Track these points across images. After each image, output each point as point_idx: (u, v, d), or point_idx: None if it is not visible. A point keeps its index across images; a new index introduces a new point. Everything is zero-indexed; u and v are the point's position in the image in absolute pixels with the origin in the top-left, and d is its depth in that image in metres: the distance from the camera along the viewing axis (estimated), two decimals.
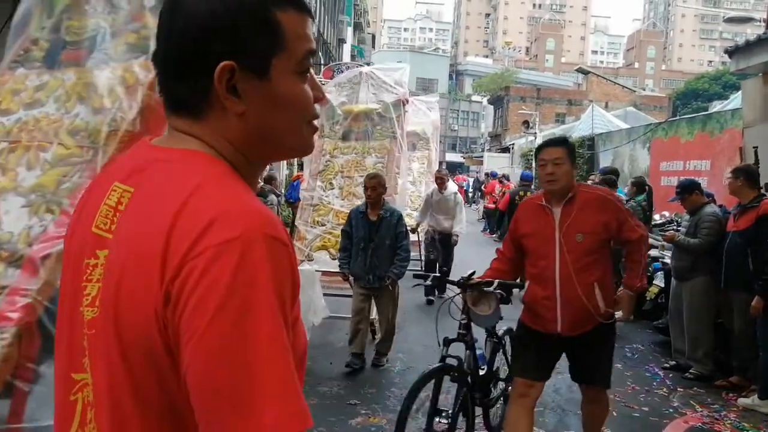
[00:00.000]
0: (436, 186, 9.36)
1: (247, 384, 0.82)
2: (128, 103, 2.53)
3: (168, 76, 0.98)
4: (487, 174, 26.76)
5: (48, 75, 2.88)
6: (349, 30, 38.16)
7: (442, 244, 9.28)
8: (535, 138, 28.59)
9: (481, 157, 43.41)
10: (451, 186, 9.55)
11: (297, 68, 0.99)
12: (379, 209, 6.02)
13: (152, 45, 1.74)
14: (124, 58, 2.68)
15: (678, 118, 19.18)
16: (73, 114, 2.64)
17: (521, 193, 12.11)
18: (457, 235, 9.17)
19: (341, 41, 35.98)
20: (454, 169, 50.59)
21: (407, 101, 8.34)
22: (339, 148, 8.15)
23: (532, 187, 12.67)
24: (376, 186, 5.96)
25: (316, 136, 1.06)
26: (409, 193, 11.27)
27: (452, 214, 9.12)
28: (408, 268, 6.24)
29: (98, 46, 2.76)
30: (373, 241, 5.96)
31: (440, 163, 16.06)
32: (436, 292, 8.89)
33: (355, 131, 8.16)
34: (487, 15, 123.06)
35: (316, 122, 1.06)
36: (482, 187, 28.33)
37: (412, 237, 9.20)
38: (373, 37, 46.64)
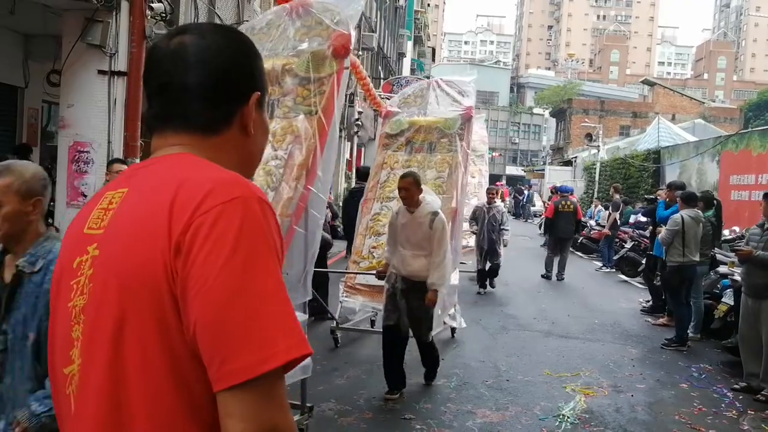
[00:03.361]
0: (402, 202, 5.62)
1: (260, 318, 0.95)
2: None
3: (197, 102, 1.15)
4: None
5: None
6: (409, 44, 38.29)
7: (410, 301, 5.49)
8: (598, 151, 28.00)
9: (543, 170, 42.80)
10: (430, 201, 5.57)
11: (262, 102, 1.24)
12: (20, 256, 2.25)
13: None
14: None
15: (750, 130, 18.47)
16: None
17: (563, 203, 13.19)
18: (435, 291, 5.36)
19: (401, 55, 36.14)
20: (514, 182, 49.95)
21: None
22: (275, 134, 4.57)
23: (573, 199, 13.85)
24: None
25: None
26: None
27: (427, 249, 5.42)
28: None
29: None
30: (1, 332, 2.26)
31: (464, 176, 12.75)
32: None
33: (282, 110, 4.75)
34: (550, 27, 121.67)
35: None
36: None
37: (381, 284, 6.07)
38: (433, 50, 46.75)
